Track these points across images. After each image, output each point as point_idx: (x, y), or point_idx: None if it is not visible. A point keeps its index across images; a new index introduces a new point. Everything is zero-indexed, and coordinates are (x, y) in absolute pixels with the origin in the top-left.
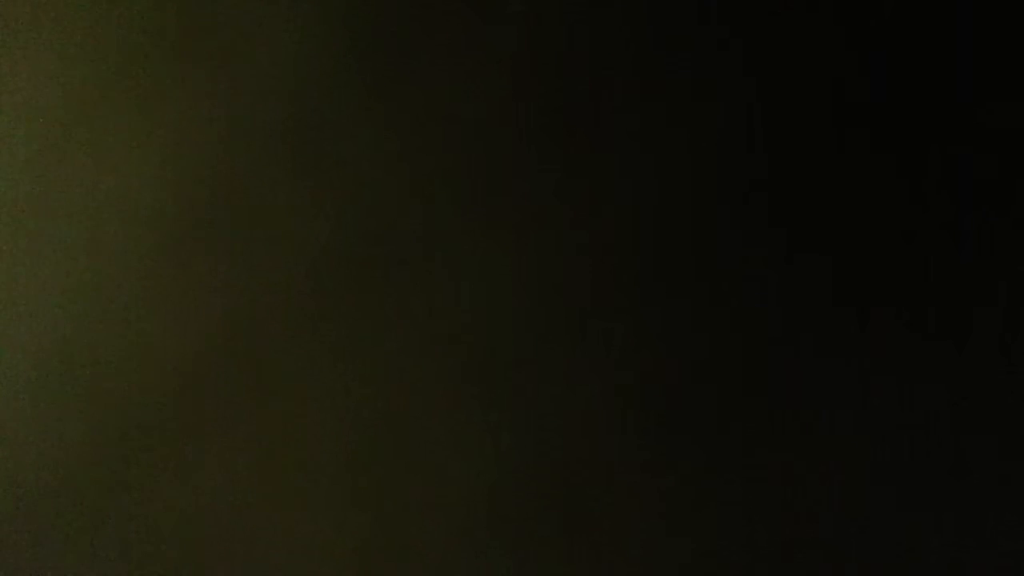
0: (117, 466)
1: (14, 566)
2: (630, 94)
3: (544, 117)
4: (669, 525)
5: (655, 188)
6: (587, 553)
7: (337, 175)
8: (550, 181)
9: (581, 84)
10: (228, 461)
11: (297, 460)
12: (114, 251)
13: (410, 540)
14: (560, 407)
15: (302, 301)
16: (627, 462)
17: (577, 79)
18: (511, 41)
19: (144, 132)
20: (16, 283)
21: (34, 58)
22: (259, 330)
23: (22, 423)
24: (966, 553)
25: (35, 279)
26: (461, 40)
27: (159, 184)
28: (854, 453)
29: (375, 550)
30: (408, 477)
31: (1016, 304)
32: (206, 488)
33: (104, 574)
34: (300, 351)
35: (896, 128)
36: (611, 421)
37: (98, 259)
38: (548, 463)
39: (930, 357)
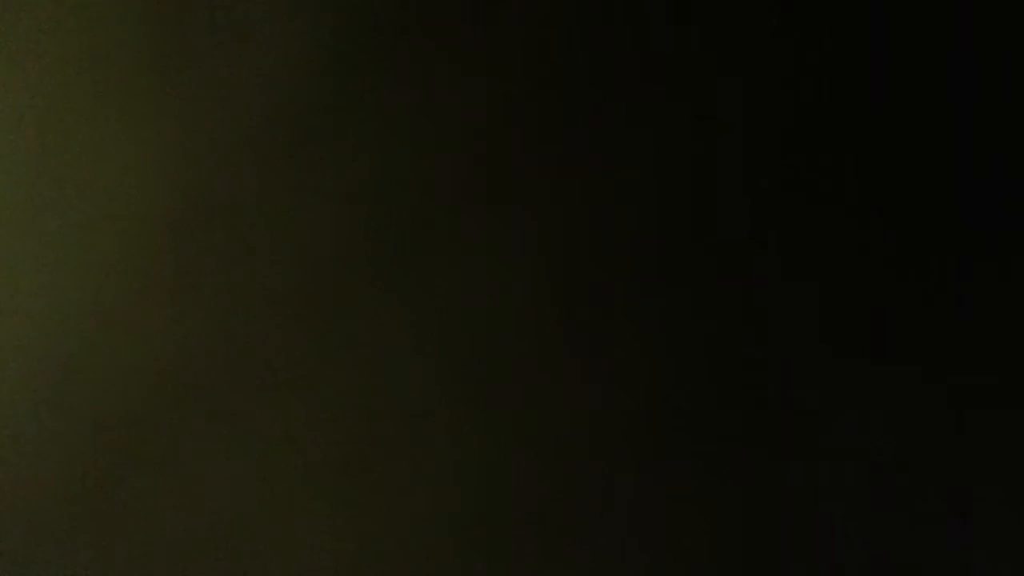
0: (116, 466)
1: (12, 566)
2: (630, 93)
3: (544, 116)
4: (669, 528)
5: (656, 188)
6: (586, 555)
7: (335, 175)
8: (550, 181)
9: (581, 84)
10: (227, 461)
11: (296, 460)
12: (112, 252)
13: (408, 541)
14: (560, 408)
15: (300, 301)
16: (628, 464)
17: (577, 79)
18: (511, 41)
19: (141, 133)
20: (13, 285)
21: (30, 59)
22: (258, 330)
23: (20, 423)
24: (967, 557)
25: (32, 281)
26: (461, 40)
27: (157, 184)
28: (858, 460)
29: (373, 551)
30: (406, 478)
31: (1018, 305)
32: (205, 489)
33: (102, 574)
34: (299, 351)
35: (897, 128)
36: (612, 423)
37: (96, 260)
38: (548, 464)
39: (932, 359)
